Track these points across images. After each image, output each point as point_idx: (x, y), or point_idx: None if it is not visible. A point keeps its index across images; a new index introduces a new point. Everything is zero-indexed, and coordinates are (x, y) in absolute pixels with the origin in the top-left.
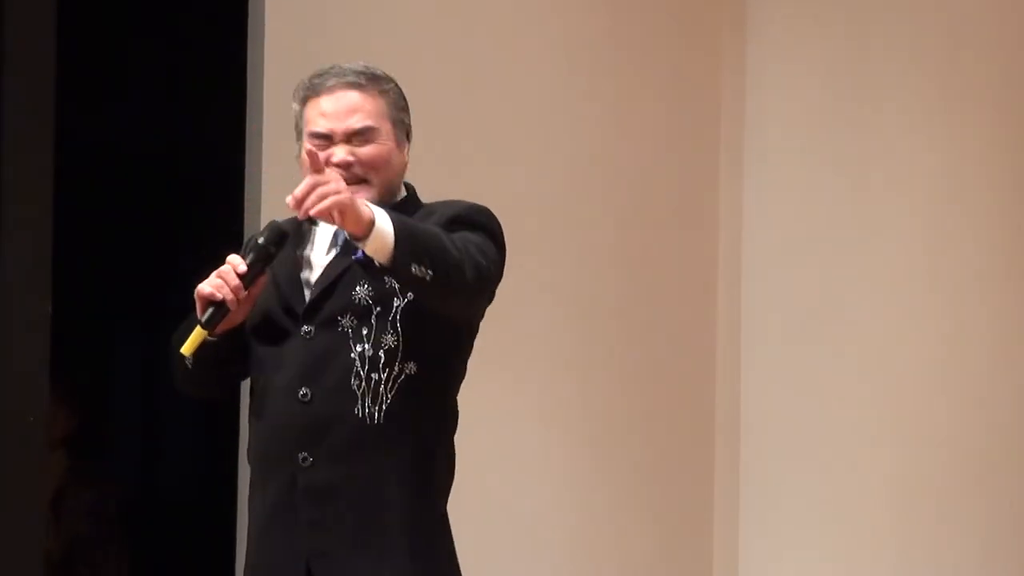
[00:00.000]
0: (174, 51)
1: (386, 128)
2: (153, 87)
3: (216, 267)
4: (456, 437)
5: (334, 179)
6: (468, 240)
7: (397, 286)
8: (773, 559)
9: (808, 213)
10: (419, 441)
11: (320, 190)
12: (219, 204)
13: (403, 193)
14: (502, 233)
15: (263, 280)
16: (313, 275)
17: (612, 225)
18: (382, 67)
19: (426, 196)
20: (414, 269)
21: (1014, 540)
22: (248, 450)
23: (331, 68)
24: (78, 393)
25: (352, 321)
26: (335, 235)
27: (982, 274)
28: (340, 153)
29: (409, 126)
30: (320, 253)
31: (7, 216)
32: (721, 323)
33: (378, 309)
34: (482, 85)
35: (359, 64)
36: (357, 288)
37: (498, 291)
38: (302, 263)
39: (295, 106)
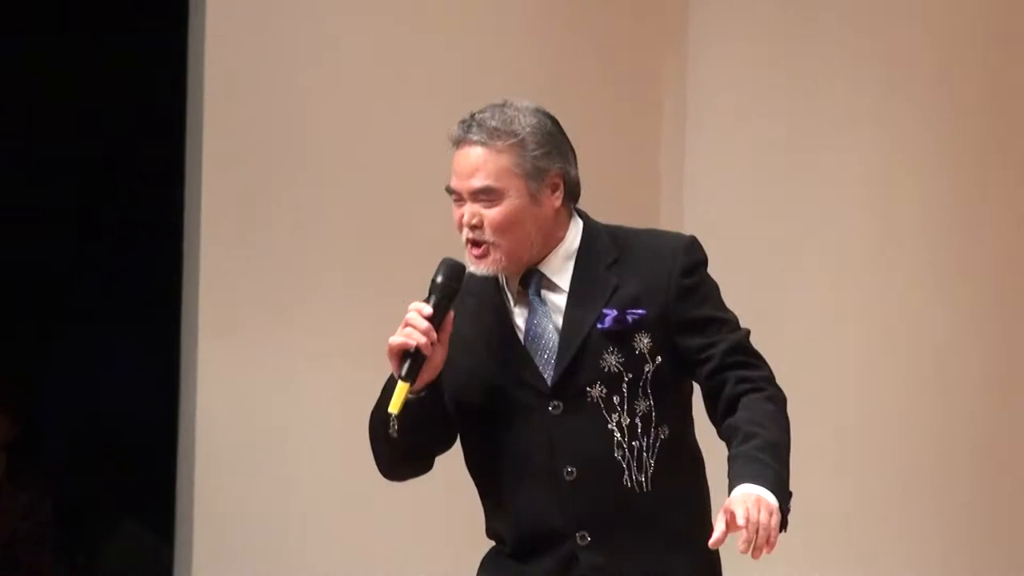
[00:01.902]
0: (112, 49)
1: (514, 185)
2: (91, 86)
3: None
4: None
5: (752, 518)
6: (760, 379)
7: (647, 351)
8: None
9: (749, 201)
10: (686, 500)
11: (761, 529)
12: (157, 205)
13: (579, 222)
14: (706, 255)
15: (450, 319)
16: (536, 343)
17: None
18: (321, 63)
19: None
20: (791, 501)
21: (966, 533)
22: (491, 532)
23: (468, 117)
24: (12, 394)
25: (602, 391)
26: (532, 288)
27: (922, 261)
28: (467, 213)
29: (555, 168)
30: (524, 316)
31: None
32: None
33: (629, 376)
34: (421, 71)
35: (491, 113)
36: (605, 355)
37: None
38: (511, 328)
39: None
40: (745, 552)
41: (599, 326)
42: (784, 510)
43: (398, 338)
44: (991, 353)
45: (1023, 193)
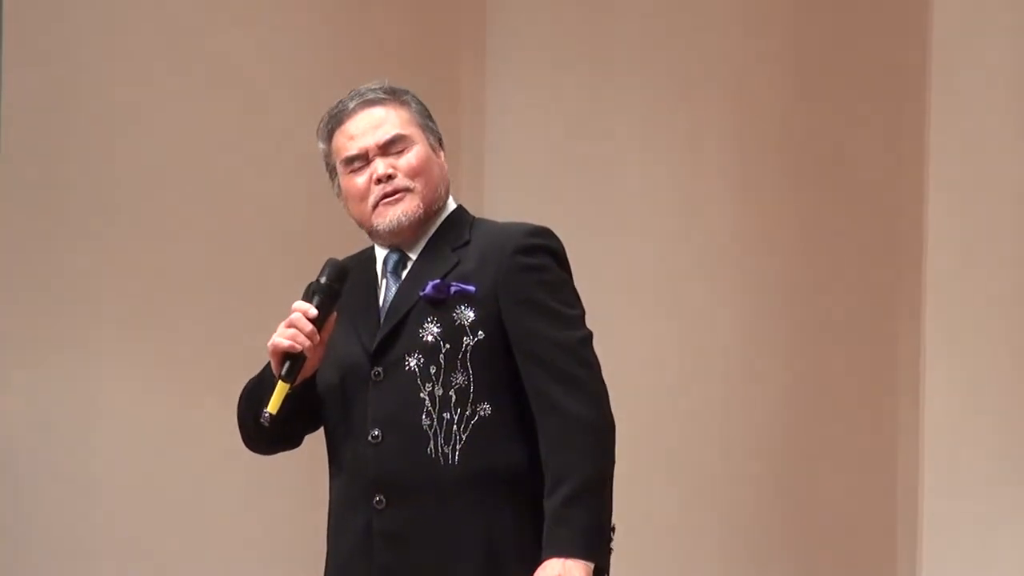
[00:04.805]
0: None
1: (417, 133)
2: None
3: None
4: None
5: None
6: (585, 400)
7: (467, 323)
8: None
9: (549, 209)
10: (498, 479)
11: None
12: None
13: (451, 207)
14: (564, 251)
15: (332, 320)
16: (383, 315)
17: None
18: (120, 58)
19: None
20: (613, 542)
21: (754, 527)
22: (329, 493)
23: (347, 95)
24: None
25: (420, 360)
26: (391, 266)
27: (715, 277)
28: (380, 167)
29: (439, 133)
30: (383, 289)
31: None
32: None
33: (447, 347)
34: (211, 74)
35: (374, 83)
36: (425, 324)
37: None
38: (375, 304)
39: (321, 146)
40: None
41: (420, 294)
42: (604, 553)
43: (282, 340)
44: (781, 354)
45: (812, 206)
